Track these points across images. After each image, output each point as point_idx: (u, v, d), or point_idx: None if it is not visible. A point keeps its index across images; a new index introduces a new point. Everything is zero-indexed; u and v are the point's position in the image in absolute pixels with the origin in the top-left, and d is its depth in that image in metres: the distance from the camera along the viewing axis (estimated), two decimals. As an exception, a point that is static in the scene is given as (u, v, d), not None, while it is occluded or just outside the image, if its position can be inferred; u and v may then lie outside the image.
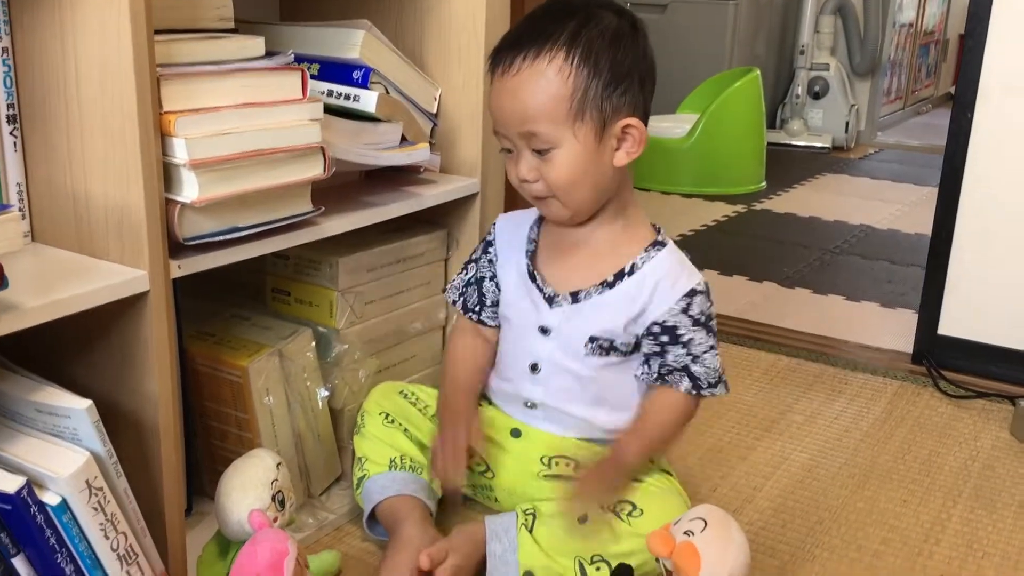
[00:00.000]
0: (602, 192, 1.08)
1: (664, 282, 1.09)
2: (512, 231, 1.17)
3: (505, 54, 1.05)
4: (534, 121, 1.03)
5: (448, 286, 1.23)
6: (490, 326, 1.19)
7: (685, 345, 1.08)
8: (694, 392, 1.09)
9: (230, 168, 0.94)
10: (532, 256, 1.15)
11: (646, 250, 1.11)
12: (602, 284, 1.10)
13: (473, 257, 1.21)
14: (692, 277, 1.11)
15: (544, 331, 1.12)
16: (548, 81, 1.02)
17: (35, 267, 0.89)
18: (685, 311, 1.09)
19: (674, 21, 3.67)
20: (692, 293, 1.09)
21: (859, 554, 1.16)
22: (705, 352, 1.09)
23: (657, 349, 1.09)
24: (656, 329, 1.09)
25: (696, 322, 1.09)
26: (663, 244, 1.12)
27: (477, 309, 1.18)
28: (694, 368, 1.08)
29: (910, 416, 1.54)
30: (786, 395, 1.60)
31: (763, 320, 1.96)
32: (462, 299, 1.20)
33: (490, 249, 1.18)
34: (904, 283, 2.24)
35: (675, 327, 1.08)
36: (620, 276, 1.10)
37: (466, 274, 1.21)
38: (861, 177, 3.55)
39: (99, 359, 0.95)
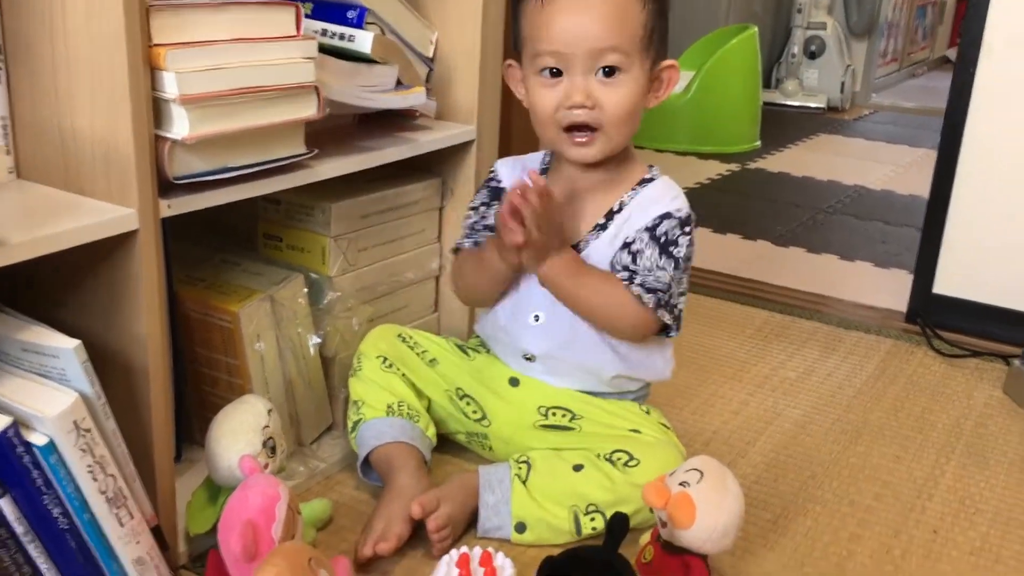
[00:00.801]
0: (633, 133, 1.08)
1: (643, 208, 1.08)
2: (517, 176, 1.14)
3: None
4: (616, 38, 1.01)
5: (461, 241, 1.18)
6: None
7: (633, 254, 1.06)
8: (627, 283, 1.04)
9: (222, 105, 0.91)
10: None
11: (634, 188, 1.10)
12: (596, 228, 1.09)
13: (477, 203, 1.18)
14: (672, 203, 1.09)
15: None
16: (630, 3, 1.02)
17: (20, 203, 0.87)
18: (650, 229, 1.06)
19: (671, -24, 3.62)
20: (665, 216, 1.07)
21: (851, 508, 1.16)
22: (649, 268, 1.05)
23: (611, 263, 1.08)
24: (622, 248, 1.07)
25: (653, 237, 1.06)
26: (652, 179, 1.11)
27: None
28: (636, 265, 1.05)
29: (903, 374, 1.53)
30: (779, 352, 1.60)
31: (757, 278, 1.95)
32: (471, 240, 1.16)
33: (502, 197, 1.15)
34: (898, 243, 2.23)
35: (633, 241, 1.06)
36: (610, 216, 1.09)
37: (470, 219, 1.17)
38: (855, 138, 3.53)
39: (86, 300, 0.92)
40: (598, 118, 1.03)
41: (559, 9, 1.02)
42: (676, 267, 1.06)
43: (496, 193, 1.16)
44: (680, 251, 1.06)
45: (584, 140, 1.05)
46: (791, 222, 2.39)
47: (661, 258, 1.05)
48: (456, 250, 1.19)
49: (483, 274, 1.13)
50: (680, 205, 1.09)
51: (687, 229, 1.08)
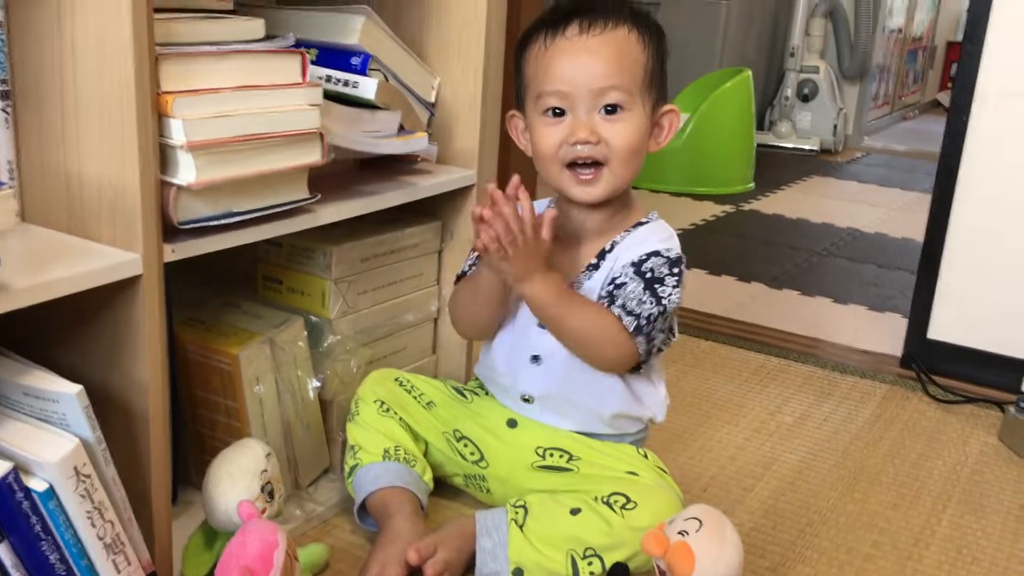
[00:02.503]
0: (636, 174, 1.09)
1: (634, 248, 1.08)
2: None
3: (574, 17, 1.05)
4: (617, 77, 1.04)
5: (465, 268, 1.19)
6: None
7: (617, 287, 1.06)
8: (607, 305, 1.05)
9: (228, 151, 0.92)
10: None
11: (627, 229, 1.11)
12: (588, 268, 1.10)
13: None
14: (662, 243, 1.09)
15: (540, 325, 1.11)
16: (630, 46, 1.05)
17: (25, 247, 0.87)
18: (635, 264, 1.07)
19: (665, 19, 3.65)
20: (653, 253, 1.07)
21: (849, 556, 1.16)
22: (630, 297, 1.05)
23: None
24: (610, 286, 1.08)
25: (638, 272, 1.06)
26: (647, 222, 1.12)
27: None
28: (618, 293, 1.06)
29: (899, 419, 1.54)
30: (775, 395, 1.60)
31: (751, 320, 1.96)
32: (473, 269, 1.16)
33: None
34: (891, 287, 2.25)
35: (618, 276, 1.07)
36: (602, 255, 1.10)
37: (471, 258, 1.18)
38: (848, 180, 3.56)
39: (88, 344, 0.92)
40: (603, 153, 1.05)
41: (561, 51, 1.05)
42: (658, 304, 1.05)
43: None
44: (666, 291, 1.05)
45: (589, 177, 1.06)
46: (785, 264, 2.40)
47: (644, 293, 1.05)
48: (459, 279, 1.19)
49: (477, 295, 1.13)
50: (671, 245, 1.09)
51: (675, 270, 1.07)
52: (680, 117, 1.12)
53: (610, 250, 1.10)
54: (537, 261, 1.04)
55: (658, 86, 1.08)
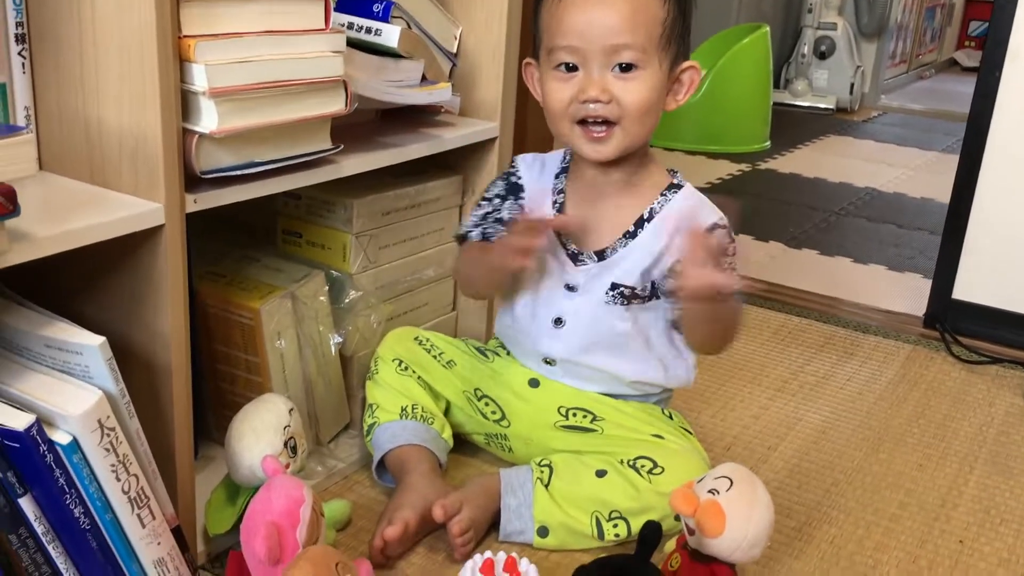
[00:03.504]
0: (651, 132, 1.06)
1: (683, 222, 1.05)
2: (537, 177, 1.13)
3: None
4: (631, 33, 0.99)
5: (460, 228, 1.17)
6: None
7: None
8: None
9: (250, 98, 0.89)
10: (560, 209, 1.11)
11: (663, 194, 1.09)
12: (625, 236, 1.08)
13: (492, 195, 1.14)
14: (712, 214, 1.09)
15: (570, 288, 1.09)
16: (649, 1, 1.00)
17: (45, 196, 0.85)
18: None
19: (682, -26, 3.60)
20: (713, 228, 1.07)
21: (876, 517, 1.14)
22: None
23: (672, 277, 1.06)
24: (679, 267, 1.03)
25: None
26: (679, 186, 1.10)
27: None
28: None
29: (923, 380, 1.52)
30: (797, 355, 1.58)
31: (771, 279, 1.93)
32: (480, 230, 1.12)
33: (521, 194, 1.13)
34: (911, 247, 2.22)
35: None
36: (640, 224, 1.08)
37: (482, 210, 1.14)
38: (865, 140, 3.51)
39: (109, 296, 0.91)
40: (614, 112, 1.01)
41: (575, 3, 1.00)
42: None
43: (514, 188, 1.14)
44: (730, 260, 1.05)
45: (601, 135, 1.03)
46: (804, 224, 2.37)
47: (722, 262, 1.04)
48: (462, 238, 1.15)
49: (481, 271, 1.11)
50: (719, 213, 1.09)
51: (732, 236, 1.08)
52: (700, 73, 1.08)
53: (649, 218, 1.08)
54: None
55: (678, 41, 1.03)
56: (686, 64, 1.05)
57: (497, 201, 1.14)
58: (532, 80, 1.10)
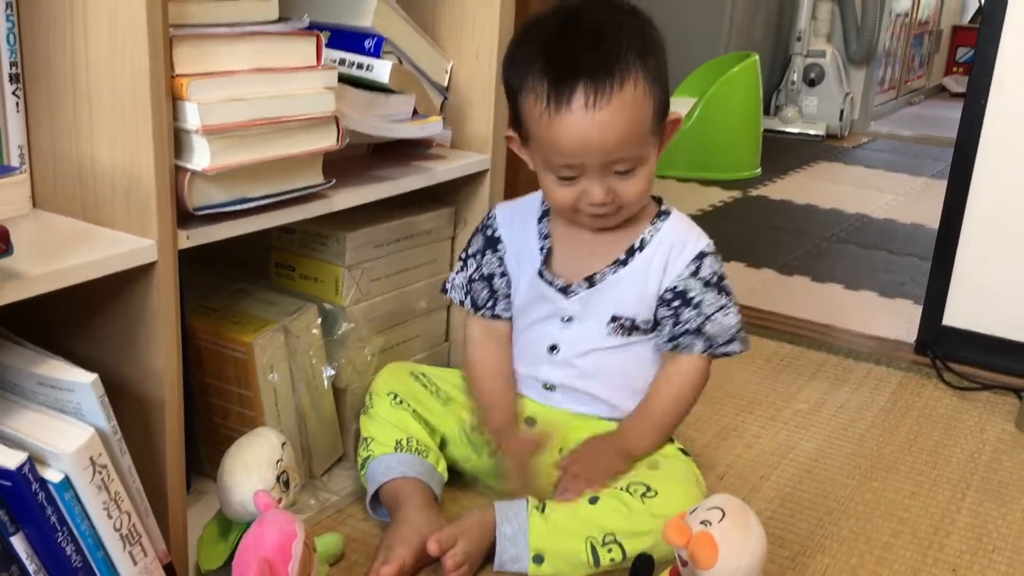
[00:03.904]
0: (652, 186, 1.08)
1: (674, 250, 1.09)
2: (517, 225, 1.15)
3: (579, 84, 0.97)
4: (627, 147, 1.00)
5: (448, 284, 1.20)
6: (505, 318, 1.17)
7: (696, 307, 1.08)
8: (708, 352, 1.09)
9: (243, 136, 0.90)
10: (547, 255, 1.12)
11: (652, 223, 1.11)
12: (615, 263, 1.09)
13: (473, 251, 1.18)
14: (700, 240, 1.11)
15: (565, 319, 1.10)
16: (637, 107, 1.00)
17: (38, 234, 0.85)
18: (695, 274, 1.09)
19: (672, 3, 3.64)
20: (701, 256, 1.10)
21: (869, 546, 1.14)
22: (716, 312, 1.09)
23: (670, 314, 1.09)
24: (668, 296, 1.09)
25: (707, 283, 1.09)
26: (667, 213, 1.12)
27: (490, 305, 1.16)
28: (707, 327, 1.08)
29: (915, 407, 1.52)
30: (790, 383, 1.59)
31: (763, 307, 1.94)
32: (469, 298, 1.17)
33: (499, 246, 1.15)
34: (902, 273, 2.23)
35: (686, 291, 1.09)
36: (631, 252, 1.10)
37: (467, 270, 1.18)
38: (855, 166, 3.54)
39: (102, 332, 0.91)
40: (616, 205, 1.05)
41: (569, 126, 0.99)
42: (730, 298, 1.10)
43: (491, 242, 1.16)
44: (729, 283, 1.10)
45: (599, 221, 1.07)
46: (795, 250, 2.38)
47: (721, 297, 1.09)
48: (445, 291, 1.19)
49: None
50: (705, 240, 1.11)
51: (720, 259, 1.11)
52: (680, 123, 1.09)
53: (640, 247, 1.10)
54: (608, 459, 1.08)
55: (663, 107, 1.03)
56: (670, 119, 1.07)
57: (478, 258, 1.17)
58: (516, 147, 1.10)
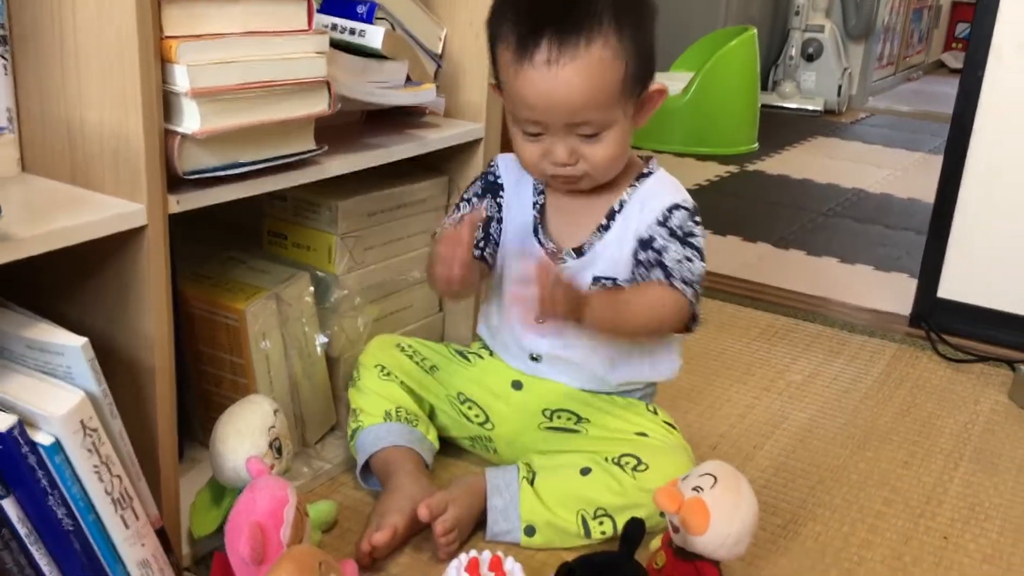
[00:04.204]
0: (625, 160, 1.06)
1: (648, 203, 1.06)
2: (517, 177, 1.13)
3: (543, 39, 0.95)
4: (590, 110, 0.97)
5: (437, 230, 1.17)
6: (487, 264, 1.13)
7: (658, 252, 1.04)
8: (667, 280, 1.03)
9: (233, 99, 0.89)
10: (541, 209, 1.11)
11: (631, 184, 1.08)
12: (599, 229, 1.08)
13: (471, 194, 1.15)
14: (676, 194, 1.07)
15: None
16: (605, 69, 0.96)
17: (26, 197, 0.85)
18: (662, 223, 1.05)
19: (670, -23, 3.61)
20: (673, 207, 1.05)
21: (861, 514, 1.15)
22: (679, 260, 1.03)
23: (635, 262, 1.06)
24: (636, 245, 1.06)
25: (672, 233, 1.04)
26: (650, 174, 1.09)
27: (481, 246, 1.12)
28: (666, 260, 1.03)
29: (909, 378, 1.52)
30: (784, 354, 1.59)
31: (758, 280, 1.94)
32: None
33: (501, 193, 1.14)
34: (898, 247, 2.23)
35: (652, 238, 1.05)
36: (612, 216, 1.08)
37: (460, 211, 1.14)
38: (853, 141, 3.53)
39: (91, 297, 0.91)
40: (582, 169, 1.02)
41: (530, 80, 0.97)
42: (701, 259, 1.04)
43: (493, 187, 1.14)
44: (700, 242, 1.05)
45: (571, 184, 1.05)
46: (791, 225, 2.38)
47: (686, 250, 1.03)
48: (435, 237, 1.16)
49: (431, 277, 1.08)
50: (685, 195, 1.08)
51: (697, 219, 1.06)
52: (666, 95, 1.05)
53: (619, 210, 1.08)
54: (574, 297, 0.97)
55: (641, 78, 1.00)
56: (652, 89, 1.03)
57: (475, 201, 1.14)
58: (501, 99, 1.09)
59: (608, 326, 1.03)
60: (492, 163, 1.16)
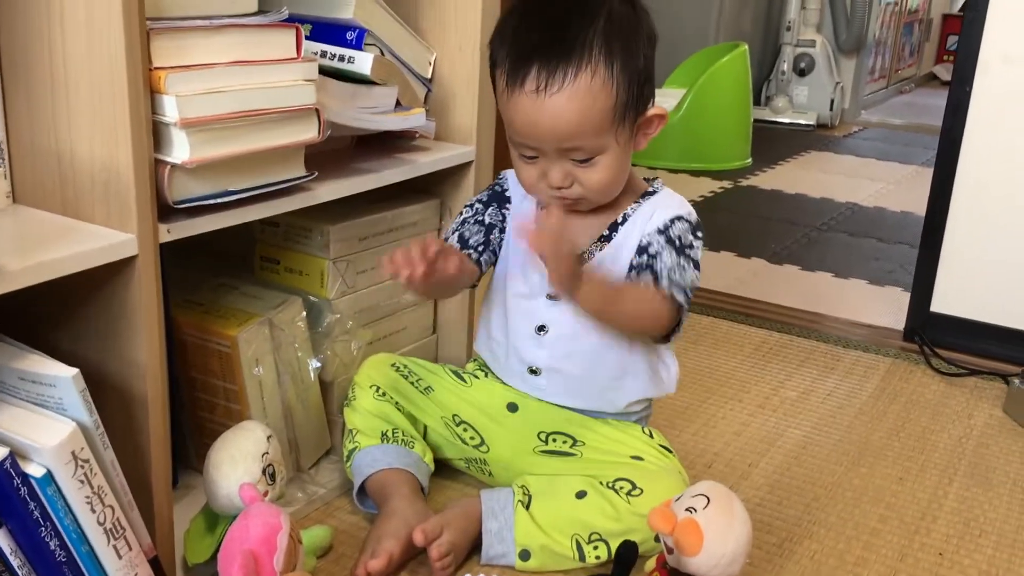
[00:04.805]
0: (622, 186, 1.06)
1: (653, 215, 1.07)
2: (523, 192, 1.12)
3: (533, 67, 0.96)
4: (580, 137, 0.98)
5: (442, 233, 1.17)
6: (484, 271, 1.13)
7: (652, 256, 1.04)
8: (654, 283, 1.03)
9: (222, 128, 0.90)
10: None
11: (636, 201, 1.09)
12: (600, 240, 1.08)
13: (481, 199, 1.15)
14: (681, 208, 1.08)
15: (551, 297, 1.09)
16: (594, 97, 0.97)
17: (17, 229, 0.85)
18: (662, 231, 1.05)
19: (661, -6, 3.63)
20: (676, 219, 1.06)
21: (856, 531, 1.15)
22: (671, 267, 1.03)
23: (629, 266, 1.06)
24: (634, 257, 1.06)
25: (669, 240, 1.04)
26: (654, 192, 1.10)
27: (480, 248, 1.12)
28: (657, 265, 1.03)
29: (903, 393, 1.53)
30: (778, 371, 1.59)
31: (752, 296, 1.95)
32: (457, 235, 1.12)
33: (507, 205, 1.14)
34: (891, 260, 2.24)
35: (649, 244, 1.05)
36: (614, 227, 1.08)
37: (463, 215, 1.14)
38: (846, 155, 3.54)
39: (83, 327, 0.91)
40: (578, 192, 1.03)
41: (521, 107, 0.98)
42: (695, 269, 1.05)
43: (499, 197, 1.15)
44: (696, 254, 1.05)
45: (570, 204, 1.05)
46: (785, 239, 2.38)
47: (681, 259, 1.04)
48: (445, 239, 1.15)
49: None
50: (690, 210, 1.08)
51: (699, 234, 1.07)
52: (666, 120, 1.06)
53: (622, 222, 1.08)
54: (574, 266, 0.97)
55: (636, 104, 1.00)
56: (651, 113, 1.04)
57: (478, 206, 1.15)
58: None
59: (597, 307, 1.02)
60: (501, 176, 1.17)
